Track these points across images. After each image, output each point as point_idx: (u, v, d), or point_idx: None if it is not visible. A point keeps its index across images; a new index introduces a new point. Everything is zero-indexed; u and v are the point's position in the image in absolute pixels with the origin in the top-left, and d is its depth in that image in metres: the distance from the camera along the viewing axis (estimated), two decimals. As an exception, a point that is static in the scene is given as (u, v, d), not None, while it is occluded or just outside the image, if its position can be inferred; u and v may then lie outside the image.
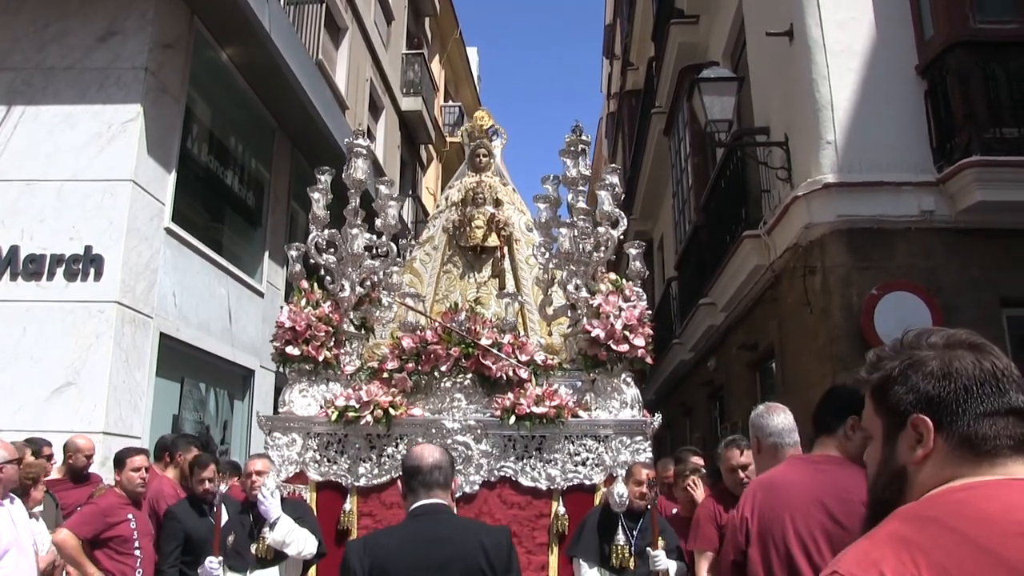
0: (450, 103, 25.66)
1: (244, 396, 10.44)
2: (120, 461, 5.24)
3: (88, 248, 7.39)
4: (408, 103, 19.20)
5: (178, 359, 8.54)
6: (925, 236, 6.83)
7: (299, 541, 4.31)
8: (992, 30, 6.86)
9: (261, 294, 10.64)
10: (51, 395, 7.06)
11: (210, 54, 9.34)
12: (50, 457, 5.81)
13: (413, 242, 6.70)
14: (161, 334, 8.03)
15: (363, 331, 5.46)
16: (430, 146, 22.13)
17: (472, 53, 30.12)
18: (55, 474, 6.13)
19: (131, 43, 7.96)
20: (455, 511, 2.89)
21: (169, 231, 8.26)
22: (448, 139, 24.07)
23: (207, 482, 5.12)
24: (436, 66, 23.73)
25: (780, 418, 3.23)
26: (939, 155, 6.85)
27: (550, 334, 5.78)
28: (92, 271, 7.35)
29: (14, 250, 7.38)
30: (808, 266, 7.10)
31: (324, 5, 12.56)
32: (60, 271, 7.35)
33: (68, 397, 7.07)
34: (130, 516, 5.06)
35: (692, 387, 13.25)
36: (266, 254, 11.03)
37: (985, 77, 6.69)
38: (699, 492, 4.87)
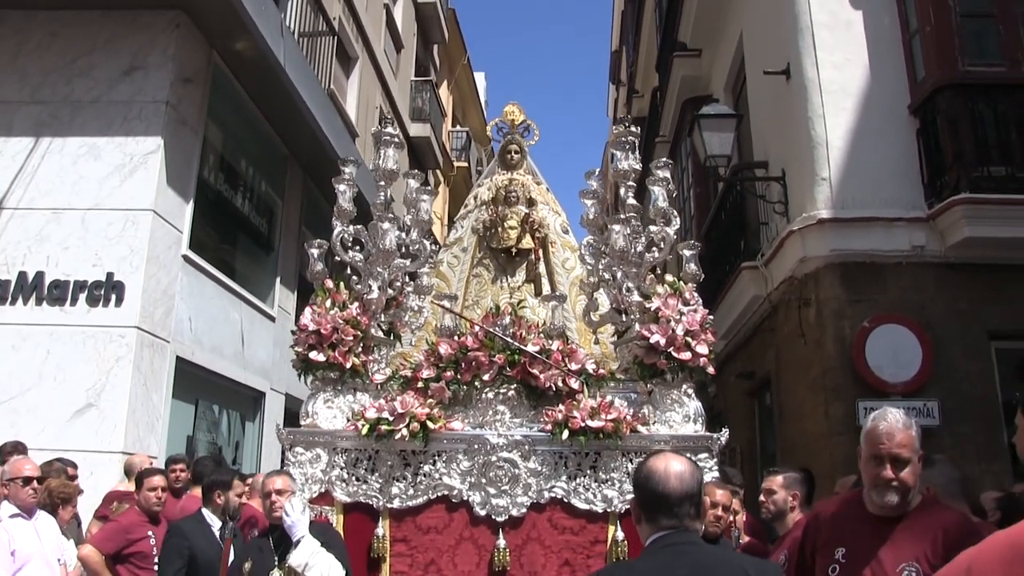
0: (458, 128, 26.01)
1: (255, 418, 10.68)
2: (139, 480, 5.50)
3: (110, 275, 7.67)
4: (416, 129, 19.52)
5: (193, 382, 8.80)
6: (916, 270, 7.07)
7: (323, 566, 3.88)
8: (980, 72, 7.14)
9: (272, 318, 10.90)
10: (73, 416, 7.31)
11: (227, 86, 9.64)
12: (74, 478, 6.06)
13: (433, 246, 6.11)
14: (177, 357, 8.29)
15: (391, 337, 5.01)
16: (438, 171, 22.46)
17: (480, 78, 30.52)
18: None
19: (153, 77, 8.26)
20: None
21: (186, 258, 8.53)
22: (456, 164, 24.41)
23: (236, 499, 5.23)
24: (444, 92, 24.09)
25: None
26: (930, 192, 7.09)
27: (596, 342, 5.34)
28: (113, 297, 7.62)
29: (40, 276, 7.65)
30: (803, 298, 7.33)
31: (336, 37, 12.91)
32: (83, 297, 7.63)
33: (89, 418, 7.32)
34: (150, 533, 5.29)
35: (693, 412, 13.40)
36: (278, 279, 11.30)
37: (973, 118, 6.95)
38: None
